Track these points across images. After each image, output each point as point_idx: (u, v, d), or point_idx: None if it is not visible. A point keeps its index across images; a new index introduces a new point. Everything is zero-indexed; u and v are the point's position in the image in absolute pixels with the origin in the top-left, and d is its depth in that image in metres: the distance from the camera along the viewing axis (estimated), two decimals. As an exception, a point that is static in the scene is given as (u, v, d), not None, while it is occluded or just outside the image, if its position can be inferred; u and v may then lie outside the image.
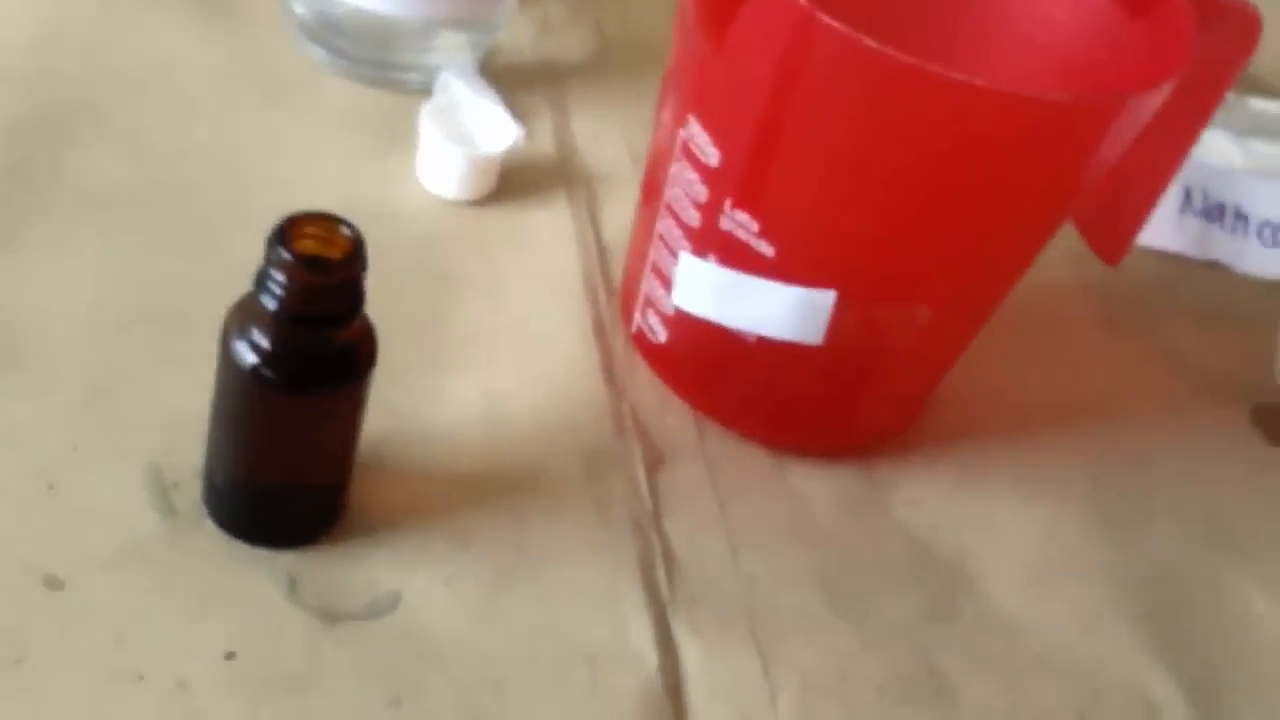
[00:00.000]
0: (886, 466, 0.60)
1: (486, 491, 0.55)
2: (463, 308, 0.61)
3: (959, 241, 0.53)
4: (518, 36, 0.75)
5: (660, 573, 0.54)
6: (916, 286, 0.54)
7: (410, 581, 0.51)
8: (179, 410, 0.52)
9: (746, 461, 0.59)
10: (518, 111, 0.68)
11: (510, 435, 0.57)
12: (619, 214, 0.66)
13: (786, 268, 0.53)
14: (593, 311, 0.62)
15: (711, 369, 0.58)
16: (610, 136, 0.71)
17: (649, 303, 0.59)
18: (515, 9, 0.73)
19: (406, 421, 0.55)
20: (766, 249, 0.53)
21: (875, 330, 0.54)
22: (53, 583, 0.48)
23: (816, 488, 0.59)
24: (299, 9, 0.69)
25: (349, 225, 0.45)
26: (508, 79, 0.71)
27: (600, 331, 0.62)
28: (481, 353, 0.59)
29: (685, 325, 0.57)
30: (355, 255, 0.45)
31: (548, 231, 0.65)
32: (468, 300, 0.61)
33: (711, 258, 0.54)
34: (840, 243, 0.53)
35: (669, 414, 0.59)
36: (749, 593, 0.54)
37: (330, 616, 0.49)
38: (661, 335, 0.59)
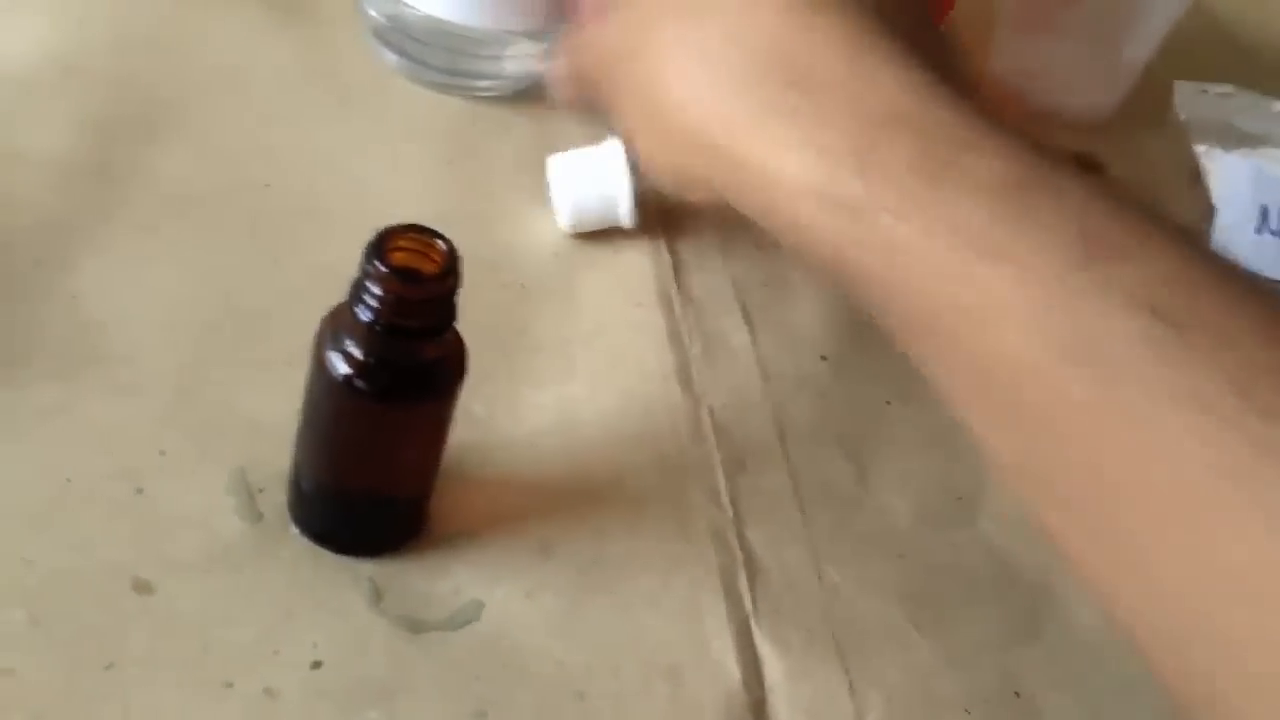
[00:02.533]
0: (970, 480, 0.60)
1: (566, 501, 0.55)
2: (538, 318, 0.61)
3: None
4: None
5: (743, 583, 0.54)
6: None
7: (492, 592, 0.51)
8: (263, 415, 0.52)
9: (829, 469, 0.58)
10: (591, 124, 0.68)
11: (588, 444, 0.57)
12: (691, 221, 0.66)
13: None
14: (668, 320, 0.62)
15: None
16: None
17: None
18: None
19: (486, 431, 0.55)
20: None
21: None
22: (142, 586, 0.48)
23: (899, 499, 0.58)
24: (372, 13, 0.69)
25: (444, 239, 0.45)
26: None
27: (676, 340, 0.61)
28: (558, 363, 0.59)
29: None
30: (450, 270, 0.45)
31: (620, 241, 0.65)
32: (543, 311, 0.61)
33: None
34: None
35: (749, 421, 0.59)
36: (832, 605, 0.54)
37: (414, 626, 0.49)
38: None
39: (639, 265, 0.64)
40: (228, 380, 0.54)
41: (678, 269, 0.65)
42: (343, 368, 0.46)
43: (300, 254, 0.59)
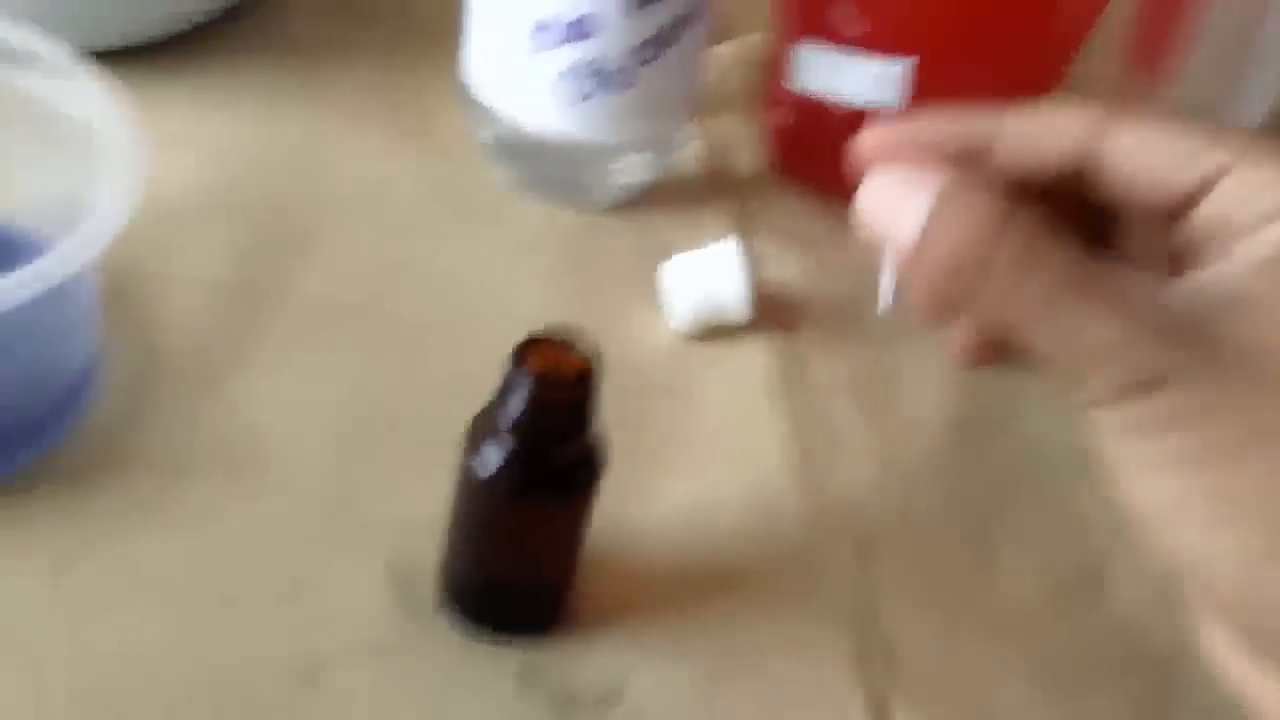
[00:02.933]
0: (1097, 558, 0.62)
1: (698, 591, 0.57)
2: (662, 417, 0.64)
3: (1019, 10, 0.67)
4: (693, 154, 0.78)
5: (878, 667, 0.56)
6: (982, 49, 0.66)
7: (632, 678, 0.53)
8: (413, 509, 0.55)
9: (954, 553, 0.61)
10: (696, 228, 0.71)
11: (717, 535, 0.59)
12: (806, 314, 0.69)
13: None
14: (788, 413, 0.65)
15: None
16: (789, 249, 0.73)
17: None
18: (694, 130, 0.76)
19: (619, 523, 0.58)
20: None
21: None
22: (308, 678, 0.51)
23: (1026, 580, 0.60)
24: (484, 133, 0.73)
25: (585, 346, 0.48)
26: (685, 197, 0.75)
27: (797, 432, 0.64)
28: (683, 458, 0.62)
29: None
30: (588, 374, 0.47)
31: (736, 338, 0.68)
32: (666, 409, 0.64)
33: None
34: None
35: (873, 508, 0.61)
36: (967, 687, 0.56)
37: (560, 710, 0.52)
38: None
39: (757, 361, 0.67)
40: (377, 480, 0.57)
41: (795, 362, 0.67)
42: (486, 470, 0.49)
43: (435, 361, 0.62)
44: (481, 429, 0.49)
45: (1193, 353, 0.38)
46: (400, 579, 0.54)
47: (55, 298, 0.50)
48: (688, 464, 0.61)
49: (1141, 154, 0.43)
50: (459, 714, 0.51)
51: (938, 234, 0.40)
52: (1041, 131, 0.44)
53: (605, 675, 0.53)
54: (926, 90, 0.68)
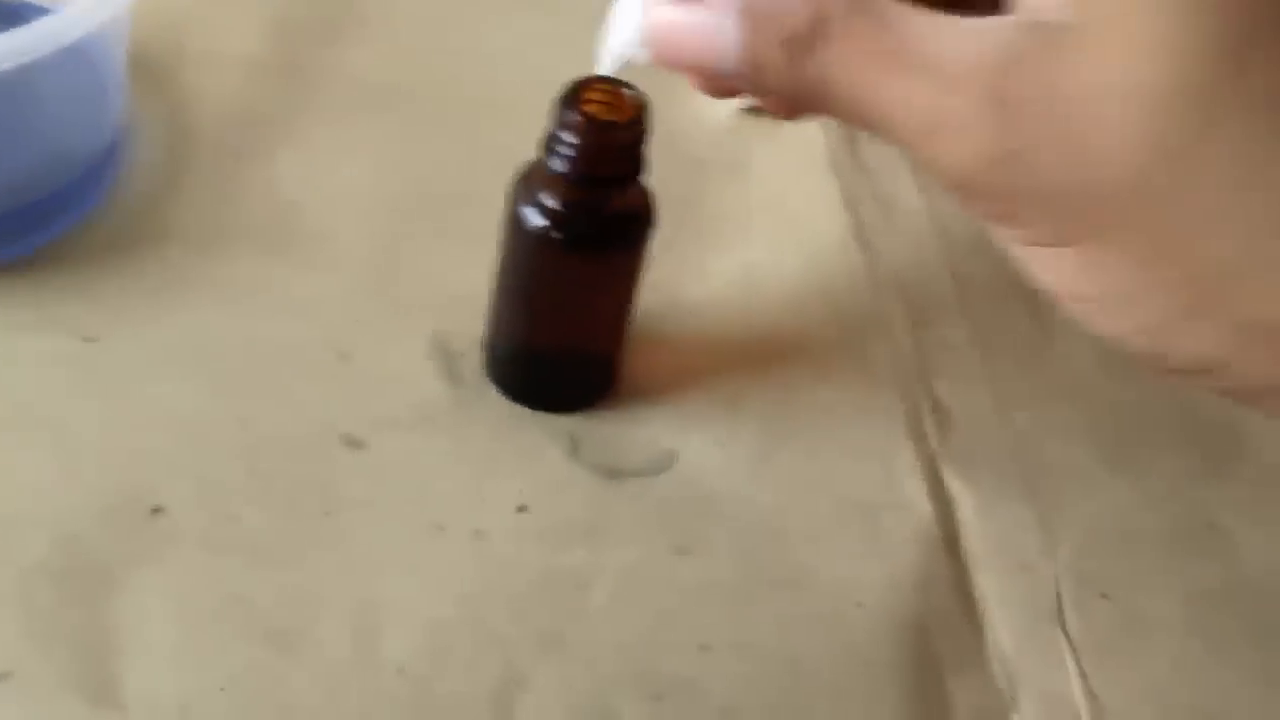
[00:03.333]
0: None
1: (752, 359, 0.56)
2: (717, 190, 0.62)
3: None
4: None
5: (930, 427, 0.54)
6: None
7: (685, 442, 0.53)
8: (457, 285, 0.54)
9: (1009, 321, 0.59)
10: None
11: (771, 305, 0.58)
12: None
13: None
14: (843, 186, 0.63)
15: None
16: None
17: None
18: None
19: (671, 296, 0.57)
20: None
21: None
22: (353, 443, 0.50)
23: (1082, 346, 0.58)
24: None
25: (633, 88, 0.46)
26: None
27: (851, 205, 0.62)
28: (737, 230, 0.60)
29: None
30: (640, 116, 0.46)
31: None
32: (721, 182, 0.62)
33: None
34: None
35: (928, 278, 0.60)
36: (1021, 447, 0.55)
37: (612, 474, 0.51)
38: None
39: (811, 136, 0.65)
40: (422, 254, 0.56)
41: (849, 139, 0.65)
42: (537, 220, 0.47)
43: (485, 140, 0.60)
44: (529, 180, 0.48)
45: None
46: (447, 352, 0.53)
47: (74, 62, 0.49)
48: (741, 237, 0.60)
49: None
50: (507, 480, 0.50)
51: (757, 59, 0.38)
52: None
53: (657, 442, 0.52)
54: None
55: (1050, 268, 0.39)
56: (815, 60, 0.37)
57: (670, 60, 0.41)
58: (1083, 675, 0.48)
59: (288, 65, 0.63)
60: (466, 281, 0.53)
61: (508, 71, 0.65)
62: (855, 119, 0.38)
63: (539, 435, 0.52)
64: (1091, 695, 0.48)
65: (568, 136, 0.45)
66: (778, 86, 0.38)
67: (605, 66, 0.44)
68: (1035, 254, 0.39)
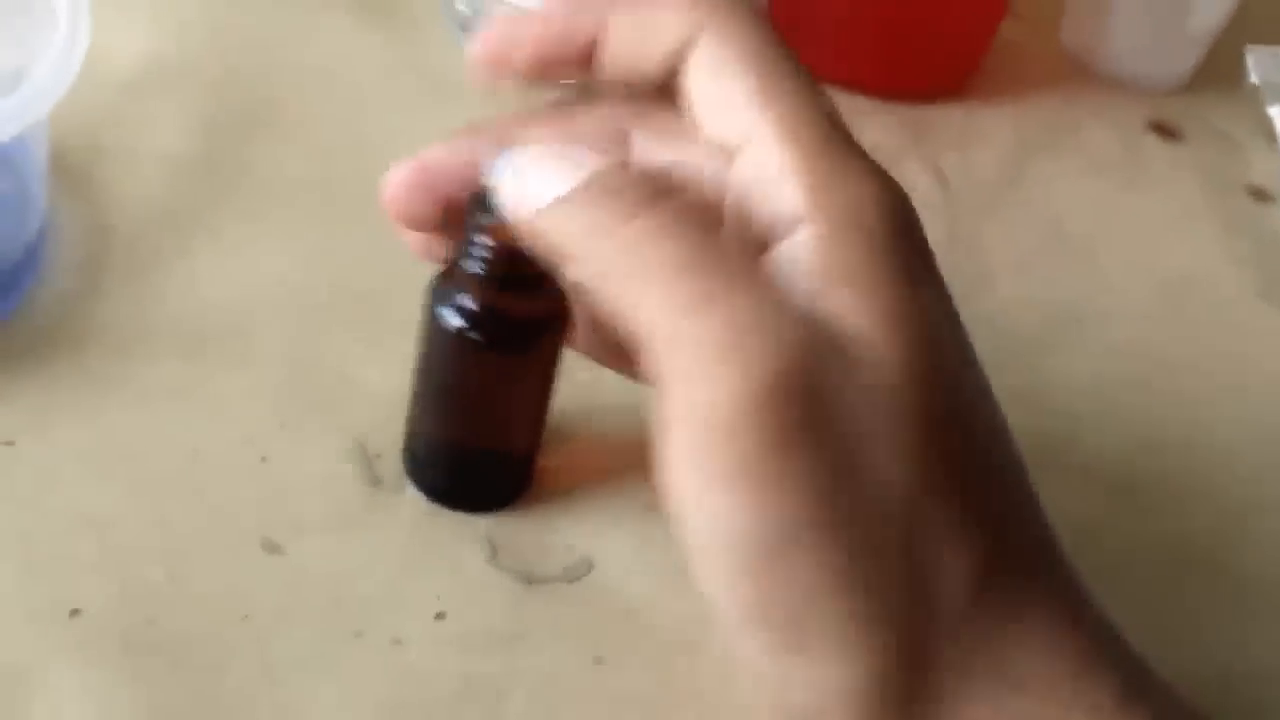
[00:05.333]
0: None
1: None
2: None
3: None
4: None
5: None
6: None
7: (602, 547, 0.53)
8: (376, 384, 0.54)
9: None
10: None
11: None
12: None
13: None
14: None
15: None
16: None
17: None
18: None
19: (590, 395, 0.57)
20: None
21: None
22: (271, 547, 0.50)
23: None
24: (460, 7, 0.72)
25: None
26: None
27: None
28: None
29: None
30: None
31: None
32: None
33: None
34: None
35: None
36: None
37: (530, 579, 0.51)
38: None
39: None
40: (341, 353, 0.57)
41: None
42: (455, 320, 0.48)
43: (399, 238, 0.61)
44: (445, 282, 0.48)
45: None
46: (365, 453, 0.54)
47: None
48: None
49: (706, 87, 0.42)
50: (426, 584, 0.50)
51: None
52: (642, 34, 0.43)
53: (574, 549, 0.53)
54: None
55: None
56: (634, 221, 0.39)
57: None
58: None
59: (207, 162, 0.63)
60: (385, 380, 0.53)
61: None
62: (615, 297, 0.39)
63: (458, 538, 0.52)
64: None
65: (482, 239, 0.46)
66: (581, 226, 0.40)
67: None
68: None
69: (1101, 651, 0.39)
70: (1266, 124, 0.80)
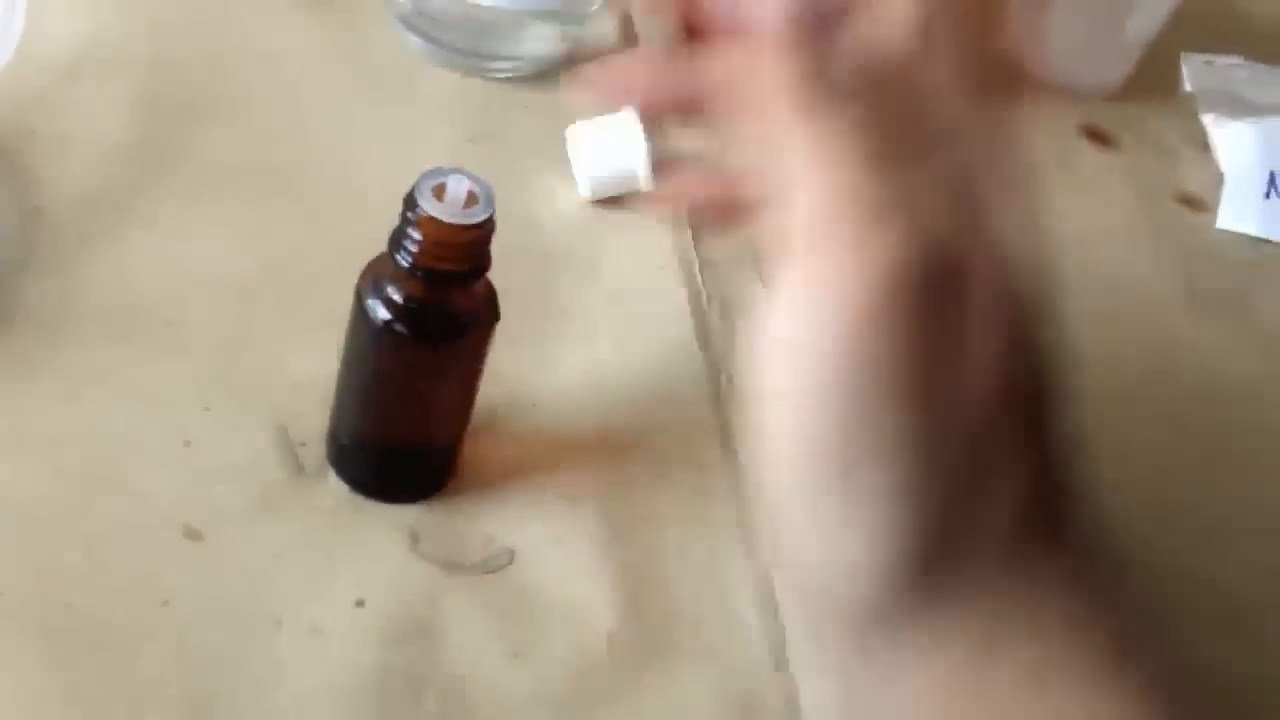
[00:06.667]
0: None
1: (592, 456, 0.57)
2: (563, 284, 0.63)
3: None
4: (604, 28, 0.77)
5: (766, 540, 0.56)
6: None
7: (523, 538, 0.54)
8: (302, 373, 0.55)
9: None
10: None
11: (613, 403, 0.59)
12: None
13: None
14: (688, 285, 0.64)
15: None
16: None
17: None
18: (602, 2, 0.75)
19: (515, 389, 0.58)
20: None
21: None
22: (192, 534, 0.51)
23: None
24: (394, 0, 0.72)
25: (480, 184, 0.47)
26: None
27: (695, 304, 0.64)
28: (583, 326, 0.62)
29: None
30: (486, 215, 0.47)
31: (641, 208, 0.67)
32: (568, 277, 0.64)
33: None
34: None
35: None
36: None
37: (450, 568, 0.52)
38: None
39: (659, 231, 0.66)
40: (268, 340, 0.57)
41: (696, 234, 0.67)
42: (383, 313, 0.48)
43: (334, 226, 0.61)
44: (376, 274, 0.49)
45: None
46: (289, 441, 0.54)
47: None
48: (586, 332, 0.61)
49: None
50: (346, 573, 0.51)
51: None
52: None
53: (495, 539, 0.53)
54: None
55: None
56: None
57: None
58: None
59: (142, 147, 0.63)
60: (312, 369, 0.54)
61: (364, 159, 0.66)
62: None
63: (379, 527, 0.52)
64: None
65: (413, 233, 0.46)
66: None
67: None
68: None
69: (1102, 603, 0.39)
70: (1199, 132, 0.81)
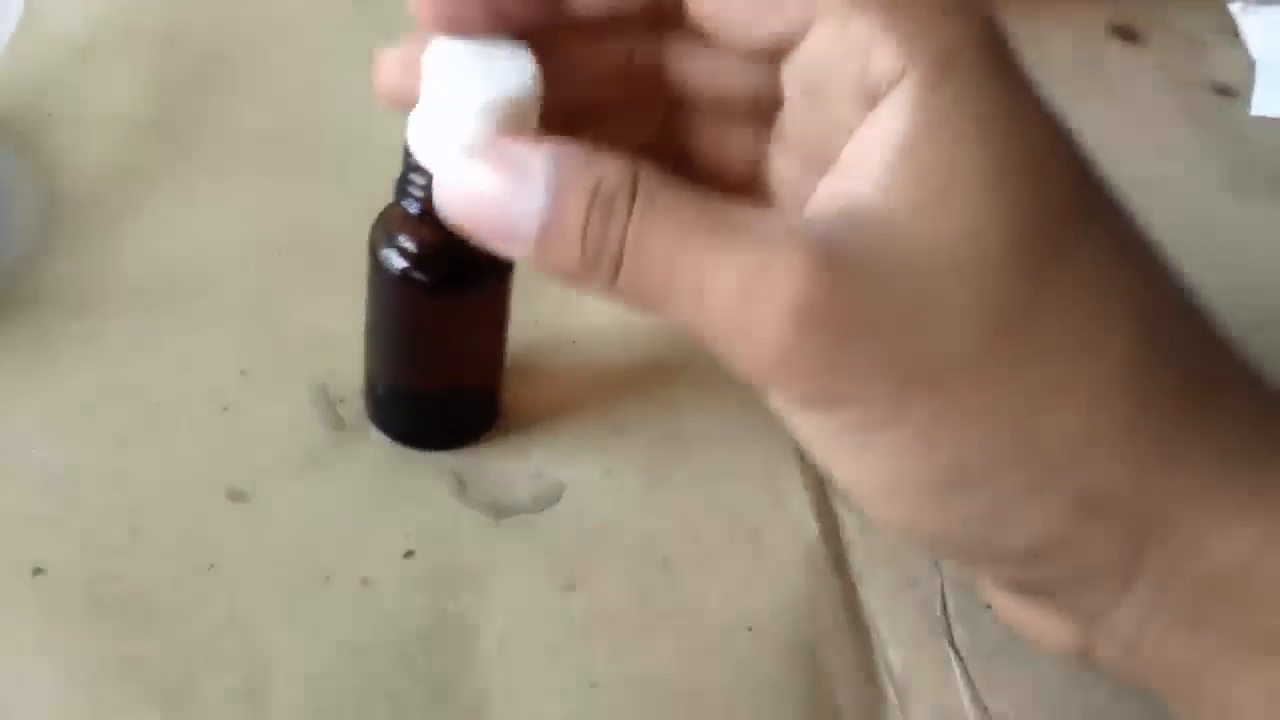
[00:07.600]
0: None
1: (634, 386, 0.56)
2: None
3: None
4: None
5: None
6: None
7: (571, 473, 0.53)
8: (337, 331, 0.54)
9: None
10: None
11: (650, 333, 0.58)
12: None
13: None
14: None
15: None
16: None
17: None
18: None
19: (549, 330, 0.57)
20: None
21: None
22: (236, 495, 0.50)
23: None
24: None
25: None
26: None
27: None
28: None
29: None
30: None
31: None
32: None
33: None
34: None
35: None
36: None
37: (499, 511, 0.51)
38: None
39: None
40: (300, 301, 0.56)
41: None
42: (398, 261, 0.48)
43: (359, 184, 0.60)
44: (387, 225, 0.48)
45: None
46: (328, 397, 0.54)
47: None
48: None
49: None
50: (393, 525, 0.50)
51: (565, 218, 0.37)
52: None
53: (543, 475, 0.53)
54: None
55: (863, 460, 0.38)
56: (628, 223, 0.37)
57: (463, 228, 0.39)
58: (971, 685, 0.49)
59: (159, 119, 0.63)
60: (345, 327, 0.53)
61: (386, 117, 0.65)
62: (657, 292, 0.37)
63: (424, 476, 0.52)
64: (981, 705, 0.49)
65: (418, 178, 0.45)
66: (581, 251, 0.37)
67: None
68: (847, 444, 0.38)
69: None
70: (1227, 21, 0.79)
